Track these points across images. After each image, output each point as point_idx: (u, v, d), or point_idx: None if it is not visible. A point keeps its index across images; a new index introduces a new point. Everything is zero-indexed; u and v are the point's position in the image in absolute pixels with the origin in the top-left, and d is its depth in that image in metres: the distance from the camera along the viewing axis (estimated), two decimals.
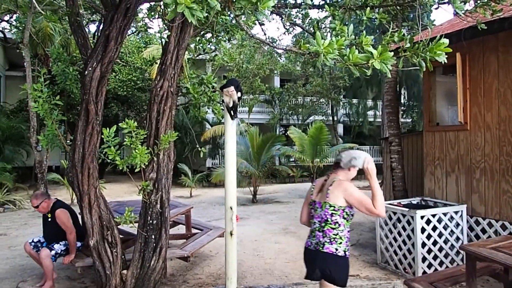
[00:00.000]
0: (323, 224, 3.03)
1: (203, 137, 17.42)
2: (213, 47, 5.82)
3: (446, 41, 2.27)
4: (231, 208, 4.12)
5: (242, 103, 18.58)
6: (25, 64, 11.68)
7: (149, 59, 15.76)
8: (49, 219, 5.02)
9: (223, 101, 4.10)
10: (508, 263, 3.06)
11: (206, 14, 1.78)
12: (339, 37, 2.13)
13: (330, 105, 19.72)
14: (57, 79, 4.81)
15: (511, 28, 4.56)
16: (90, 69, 3.71)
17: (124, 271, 4.40)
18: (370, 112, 21.22)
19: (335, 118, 20.53)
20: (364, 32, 2.24)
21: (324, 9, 2.94)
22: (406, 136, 7.42)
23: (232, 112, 3.82)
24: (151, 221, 4.39)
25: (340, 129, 21.73)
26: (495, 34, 4.89)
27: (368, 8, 2.77)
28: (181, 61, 4.66)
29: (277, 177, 18.51)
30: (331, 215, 2.98)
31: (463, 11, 3.00)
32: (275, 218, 9.96)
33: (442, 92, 6.16)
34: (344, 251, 3.00)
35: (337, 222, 2.98)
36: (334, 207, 2.98)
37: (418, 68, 2.30)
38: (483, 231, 5.36)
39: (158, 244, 4.40)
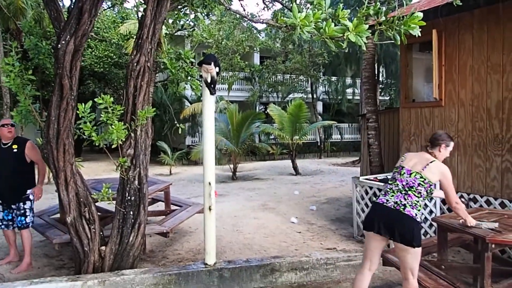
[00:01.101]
0: (407, 189, 3.22)
1: (182, 115, 17.27)
2: (191, 23, 5.72)
3: (420, 14, 2.29)
4: (209, 184, 4.16)
5: (222, 81, 18.41)
6: None
7: (125, 34, 15.36)
8: (15, 151, 4.77)
9: (201, 76, 4.08)
10: (477, 234, 3.19)
11: None
12: (316, 10, 2.13)
13: (309, 82, 19.73)
14: (30, 53, 4.67)
15: (486, 5, 4.62)
16: (63, 42, 3.61)
17: (103, 248, 4.40)
18: (349, 90, 21.38)
19: (315, 96, 20.58)
20: (341, 5, 2.24)
21: None
22: (383, 112, 7.53)
23: (210, 87, 3.80)
24: (129, 198, 4.37)
25: (319, 106, 21.84)
26: (471, 12, 4.95)
27: None
28: (158, 36, 4.57)
29: (257, 154, 18.58)
30: (419, 184, 3.20)
31: None
32: (255, 194, 10.05)
33: (418, 69, 6.25)
34: (421, 218, 3.26)
35: (420, 192, 3.18)
36: (425, 179, 3.20)
37: (393, 42, 2.32)
38: None
39: (136, 220, 4.40)
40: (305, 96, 19.61)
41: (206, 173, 4.11)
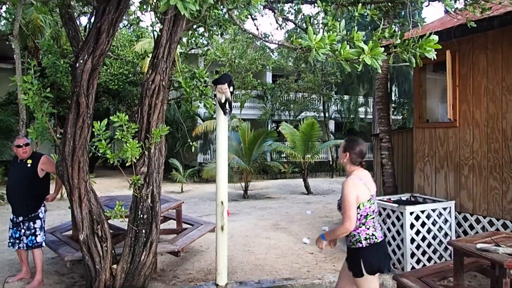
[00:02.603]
0: (377, 215, 3.19)
1: (195, 132, 17.38)
2: (205, 42, 5.80)
3: (435, 37, 2.29)
4: (222, 203, 4.15)
5: (234, 98, 18.45)
6: (14, 56, 11.51)
7: (140, 52, 15.63)
8: (29, 166, 4.82)
9: (215, 95, 4.11)
10: (495, 259, 3.11)
11: (199, 8, 1.77)
12: (331, 32, 2.14)
13: (321, 101, 19.76)
14: (48, 71, 4.77)
15: (500, 27, 4.60)
16: (81, 61, 3.68)
17: (114, 266, 4.39)
18: (361, 109, 21.32)
19: (327, 115, 20.58)
20: (356, 28, 2.25)
21: (316, 5, 2.95)
22: (396, 132, 7.47)
23: (224, 107, 3.83)
24: (141, 216, 4.37)
25: (331, 125, 21.81)
26: (484, 32, 4.93)
27: (360, 4, 2.79)
28: (173, 55, 4.64)
29: (268, 172, 18.54)
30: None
31: (453, 9, 3.03)
32: (266, 213, 9.98)
33: (432, 89, 6.21)
34: None
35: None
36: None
37: (408, 64, 2.32)
38: (471, 227, 5.43)
39: (148, 239, 4.39)
40: (317, 115, 19.63)
41: (219, 192, 4.10)
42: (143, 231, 4.39)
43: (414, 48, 2.21)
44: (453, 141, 5.59)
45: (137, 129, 4.20)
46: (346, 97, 20.03)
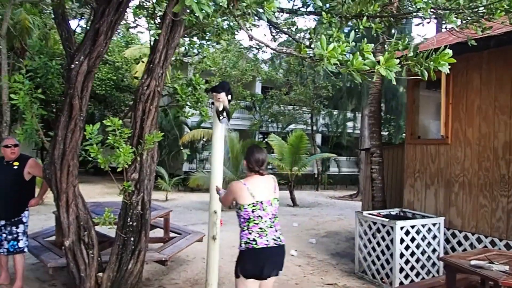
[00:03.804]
0: (273, 220, 3.25)
1: (181, 141, 17.22)
2: (195, 51, 5.78)
3: (450, 51, 2.30)
4: (215, 212, 4.07)
5: None
6: (1, 56, 11.28)
7: (130, 58, 15.52)
8: (15, 168, 4.62)
9: (212, 103, 4.06)
10: (490, 276, 3.10)
11: (211, 12, 1.73)
12: (339, 43, 2.13)
13: (310, 114, 19.86)
14: (39, 72, 4.65)
15: (496, 47, 4.68)
16: (77, 63, 3.60)
17: (100, 274, 4.26)
18: (349, 124, 21.48)
19: (314, 128, 20.69)
20: (365, 39, 2.25)
21: (321, 16, 2.95)
22: (387, 147, 7.52)
23: (221, 116, 3.78)
24: (131, 223, 4.27)
25: (318, 138, 21.90)
26: (480, 52, 5.02)
27: (365, 18, 2.81)
28: (170, 61, 4.60)
29: None
30: (277, 208, 3.29)
31: (456, 26, 3.07)
32: None
33: (424, 106, 6.28)
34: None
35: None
36: (278, 200, 3.33)
37: (393, 82, 2.31)
38: (459, 243, 5.46)
39: (137, 247, 4.28)
40: (305, 128, 19.70)
41: (212, 201, 4.03)
42: (132, 239, 4.28)
43: (428, 61, 2.22)
44: (445, 158, 5.64)
45: (130, 134, 4.12)
46: (335, 111, 20.17)
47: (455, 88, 5.44)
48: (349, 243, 7.92)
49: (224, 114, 3.86)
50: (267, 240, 3.18)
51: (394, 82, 2.24)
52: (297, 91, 16.19)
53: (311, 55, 2.11)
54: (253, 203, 3.16)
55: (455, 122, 5.48)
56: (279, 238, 3.27)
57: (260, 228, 3.18)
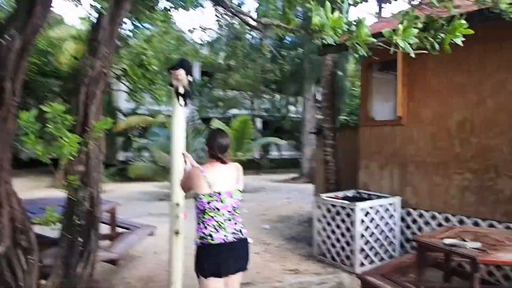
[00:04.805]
0: (233, 212, 2.97)
1: (116, 129, 16.26)
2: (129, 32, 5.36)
3: (464, 22, 2.13)
4: (177, 204, 3.72)
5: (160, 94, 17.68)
6: None
7: (55, 41, 14.24)
8: None
9: (170, 84, 3.67)
10: (467, 254, 3.10)
11: None
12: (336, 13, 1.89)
13: (252, 99, 19.67)
14: None
15: None
16: (8, 38, 3.02)
17: (43, 281, 3.75)
18: (290, 108, 21.50)
19: (256, 113, 20.56)
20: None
21: None
22: (339, 130, 7.51)
23: (182, 97, 3.40)
24: (78, 222, 3.79)
25: (259, 123, 21.83)
26: None
27: None
28: (115, 39, 4.13)
29: None
30: (240, 200, 3.02)
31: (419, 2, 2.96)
32: None
33: (378, 88, 6.28)
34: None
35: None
36: (241, 191, 3.04)
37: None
38: (414, 221, 5.57)
39: (86, 248, 3.82)
40: (246, 113, 19.49)
41: (174, 192, 3.67)
42: (80, 239, 3.80)
43: (445, 30, 2.04)
44: (400, 139, 5.68)
45: (74, 122, 3.62)
46: (277, 95, 20.09)
47: (410, 69, 5.46)
48: (302, 226, 7.90)
49: (183, 96, 3.48)
50: (225, 235, 2.89)
51: (413, 55, 2.05)
52: (243, 75, 15.84)
53: (303, 27, 1.85)
54: (209, 193, 2.86)
55: (410, 103, 5.52)
56: (240, 231, 2.99)
57: (217, 221, 2.89)
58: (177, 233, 3.72)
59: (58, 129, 3.42)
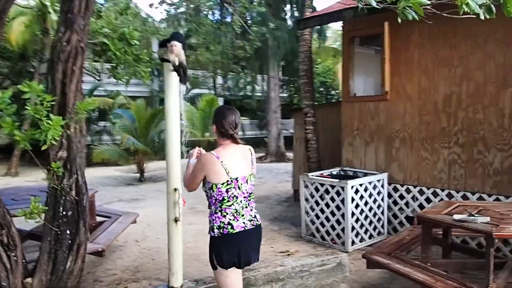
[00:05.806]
0: (249, 198, 2.79)
1: None
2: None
3: None
4: (175, 190, 3.46)
5: (118, 75, 16.87)
6: None
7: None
8: None
9: (162, 60, 3.37)
10: (482, 229, 3.08)
11: None
12: None
13: (214, 78, 19.20)
14: None
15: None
16: None
17: (29, 279, 3.40)
18: (252, 87, 21.24)
19: (217, 92, 20.15)
20: None
21: None
22: (319, 107, 7.42)
23: (183, 73, 3.11)
24: (64, 213, 3.44)
25: (221, 102, 21.45)
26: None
27: None
28: (92, 10, 3.75)
29: (158, 152, 17.48)
30: (253, 186, 2.84)
31: None
32: None
33: (359, 63, 6.20)
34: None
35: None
36: (255, 176, 2.88)
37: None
38: (401, 197, 5.61)
39: (75, 241, 3.48)
40: (208, 92, 19.03)
41: (171, 177, 3.41)
42: (67, 231, 3.47)
43: None
44: (385, 114, 5.66)
45: (53, 103, 3.25)
46: (241, 73, 19.70)
47: (394, 43, 5.39)
48: (282, 206, 7.83)
49: (181, 72, 3.19)
50: (244, 222, 2.69)
51: (482, 17, 1.90)
52: (214, 52, 15.29)
53: None
54: (227, 181, 2.64)
55: (394, 77, 5.48)
56: (255, 217, 2.80)
57: (235, 210, 2.68)
58: (176, 220, 3.47)
59: (38, 111, 3.06)
